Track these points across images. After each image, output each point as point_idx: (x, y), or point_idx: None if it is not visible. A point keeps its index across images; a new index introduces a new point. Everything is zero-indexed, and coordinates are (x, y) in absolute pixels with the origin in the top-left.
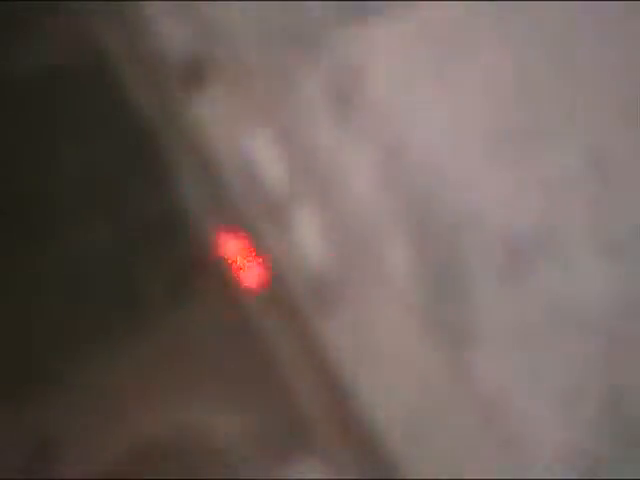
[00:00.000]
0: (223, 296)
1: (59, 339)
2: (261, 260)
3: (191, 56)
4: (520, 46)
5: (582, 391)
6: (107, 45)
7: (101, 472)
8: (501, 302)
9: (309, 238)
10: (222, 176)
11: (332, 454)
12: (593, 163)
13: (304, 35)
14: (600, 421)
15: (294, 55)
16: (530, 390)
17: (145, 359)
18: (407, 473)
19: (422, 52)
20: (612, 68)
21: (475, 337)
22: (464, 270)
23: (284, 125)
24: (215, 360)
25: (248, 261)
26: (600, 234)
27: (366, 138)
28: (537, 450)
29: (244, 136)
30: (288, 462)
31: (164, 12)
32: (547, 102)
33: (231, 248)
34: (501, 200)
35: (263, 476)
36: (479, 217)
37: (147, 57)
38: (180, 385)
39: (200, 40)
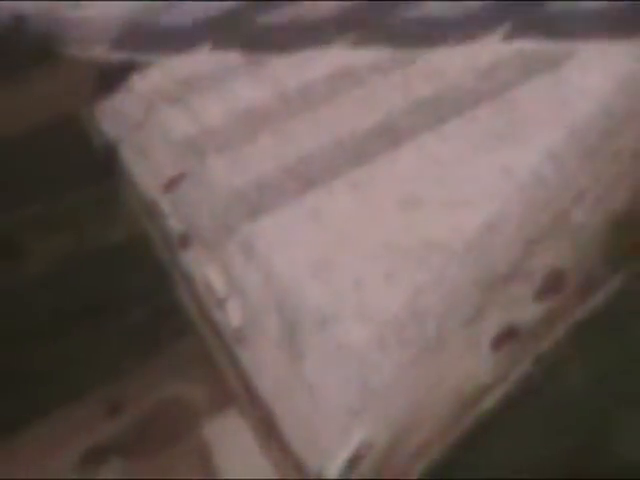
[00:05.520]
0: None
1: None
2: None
3: (183, 231)
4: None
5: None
6: (145, 226)
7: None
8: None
9: (234, 315)
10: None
11: (244, 412)
12: None
13: (229, 225)
14: None
15: (227, 230)
16: None
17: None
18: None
19: (304, 229)
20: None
21: (303, 354)
22: (303, 321)
23: (225, 263)
24: (191, 357)
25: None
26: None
27: (264, 273)
28: None
29: (206, 268)
30: (223, 413)
31: (169, 208)
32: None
33: None
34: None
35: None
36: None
37: (162, 232)
38: (172, 367)
39: (186, 221)
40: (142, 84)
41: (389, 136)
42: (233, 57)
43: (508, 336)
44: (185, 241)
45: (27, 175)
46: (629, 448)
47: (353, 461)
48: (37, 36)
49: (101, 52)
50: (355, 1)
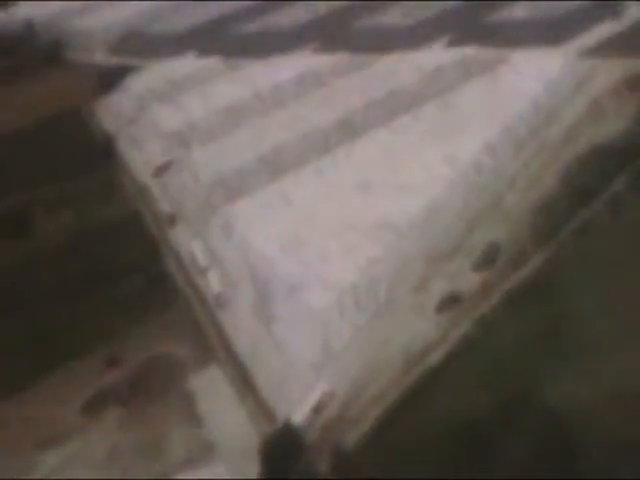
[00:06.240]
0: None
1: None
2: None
3: (170, 211)
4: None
5: None
6: (139, 206)
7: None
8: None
9: (215, 283)
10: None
11: (224, 367)
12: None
13: (211, 206)
14: None
15: (209, 211)
16: None
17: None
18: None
19: (276, 210)
20: None
21: (274, 317)
22: (274, 289)
23: (206, 238)
24: (178, 319)
25: None
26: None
27: (240, 247)
28: None
29: (191, 243)
30: (205, 368)
31: (159, 191)
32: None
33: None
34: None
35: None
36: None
37: (153, 212)
38: (162, 328)
39: (173, 203)
40: (136, 84)
41: (348, 129)
42: (215, 61)
43: (450, 301)
44: (172, 220)
45: (36, 162)
46: (558, 399)
47: (317, 409)
48: (46, 41)
49: (101, 56)
50: (318, 13)
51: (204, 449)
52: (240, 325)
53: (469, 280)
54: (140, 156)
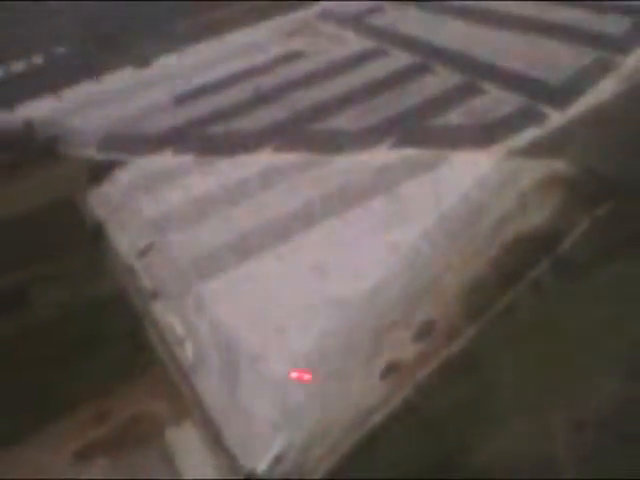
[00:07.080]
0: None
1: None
2: None
3: (151, 288)
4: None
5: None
6: (125, 283)
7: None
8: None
9: (190, 352)
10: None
11: (198, 424)
12: None
13: (185, 284)
14: None
15: (184, 288)
16: None
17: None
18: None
19: (241, 289)
20: None
21: (239, 382)
22: (239, 358)
23: (182, 313)
24: (159, 381)
25: None
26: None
27: (210, 321)
28: None
29: (169, 316)
30: (182, 425)
31: (142, 270)
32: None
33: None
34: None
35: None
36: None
37: (137, 289)
38: (145, 388)
39: (154, 281)
40: (122, 177)
41: (305, 219)
42: (188, 158)
43: (392, 369)
44: (154, 296)
45: (34, 244)
46: (484, 458)
47: (277, 460)
48: (44, 138)
49: (92, 152)
50: (277, 118)
51: None
52: (211, 389)
53: (408, 350)
54: (126, 239)
